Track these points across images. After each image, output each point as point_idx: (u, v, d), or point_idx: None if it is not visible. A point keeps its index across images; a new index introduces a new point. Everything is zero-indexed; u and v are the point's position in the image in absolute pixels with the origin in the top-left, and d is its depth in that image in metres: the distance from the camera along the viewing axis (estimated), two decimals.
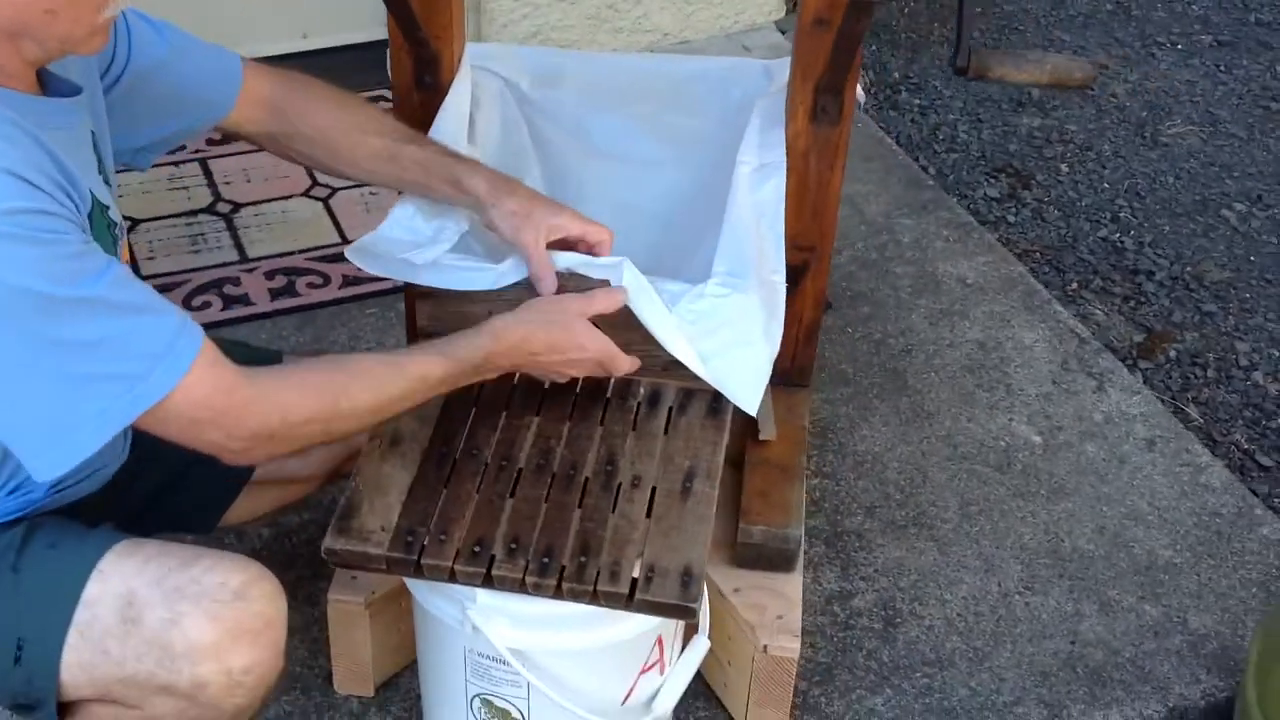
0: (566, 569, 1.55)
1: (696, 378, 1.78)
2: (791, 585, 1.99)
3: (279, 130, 1.84)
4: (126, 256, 1.63)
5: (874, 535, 2.34)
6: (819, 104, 1.93)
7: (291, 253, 2.88)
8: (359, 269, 1.85)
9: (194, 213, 2.98)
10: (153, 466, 1.80)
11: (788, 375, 2.19)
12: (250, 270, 2.82)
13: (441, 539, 1.58)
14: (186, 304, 2.73)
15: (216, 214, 2.98)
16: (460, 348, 1.64)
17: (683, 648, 1.87)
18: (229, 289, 2.78)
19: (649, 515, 1.63)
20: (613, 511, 1.63)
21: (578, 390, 1.78)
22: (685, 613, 1.54)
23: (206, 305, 2.73)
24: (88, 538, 1.52)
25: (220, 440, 1.48)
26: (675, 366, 1.83)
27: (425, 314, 1.84)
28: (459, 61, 1.99)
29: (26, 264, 1.31)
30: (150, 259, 2.85)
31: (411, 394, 1.60)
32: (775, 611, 1.95)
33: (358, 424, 1.58)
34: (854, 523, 2.36)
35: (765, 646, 1.91)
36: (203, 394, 1.44)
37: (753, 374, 1.76)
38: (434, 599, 1.70)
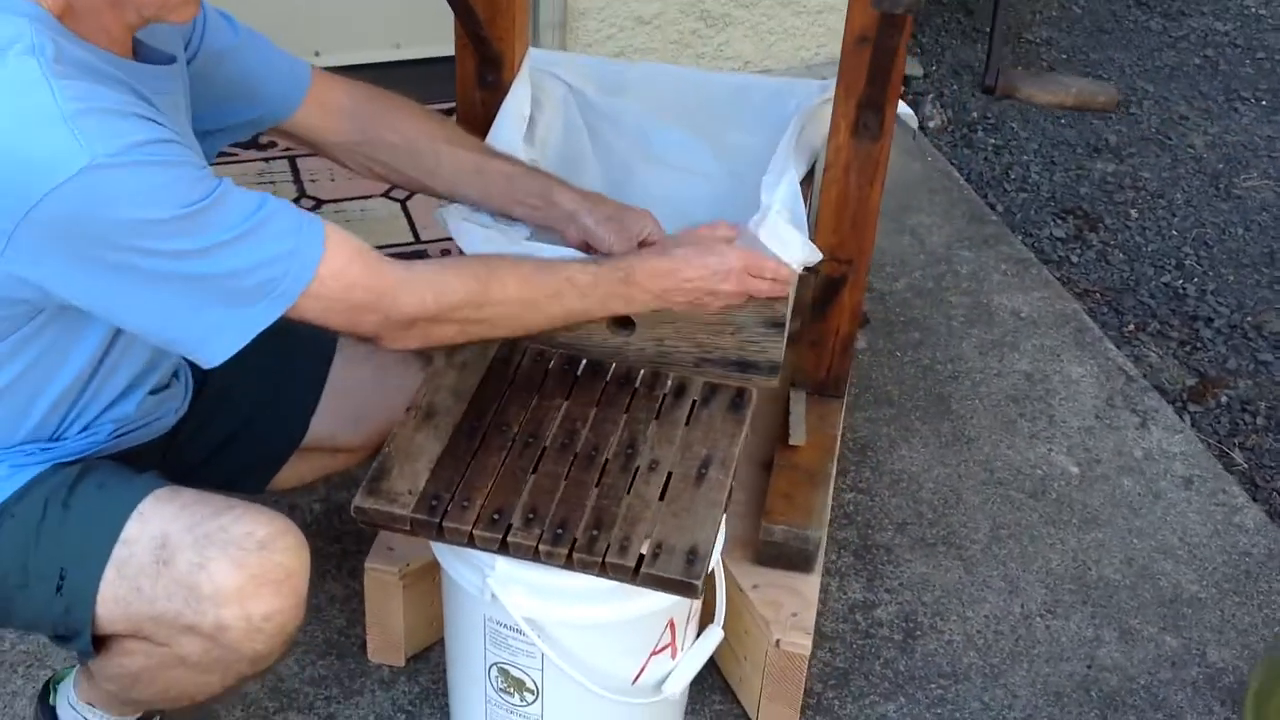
0: (578, 540, 1.63)
1: (716, 369, 1.87)
2: (809, 586, 2.05)
3: (359, 139, 1.93)
4: None
5: (902, 550, 2.39)
6: (860, 120, 2.00)
7: None
8: None
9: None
10: (210, 424, 1.91)
11: (823, 385, 2.25)
12: None
13: (464, 505, 1.67)
14: None
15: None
16: (604, 260, 1.76)
17: (698, 636, 1.95)
18: None
19: (662, 497, 1.70)
20: (628, 491, 1.70)
21: (608, 378, 1.86)
22: (688, 589, 1.61)
23: None
24: (134, 481, 1.62)
25: (378, 322, 1.59)
26: (704, 363, 1.91)
27: None
28: (520, 63, 2.09)
29: (160, 186, 1.40)
30: None
31: (558, 293, 1.70)
32: (791, 609, 2.01)
33: (509, 314, 1.68)
34: (884, 537, 2.41)
35: (778, 641, 1.97)
36: (356, 273, 1.54)
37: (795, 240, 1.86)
38: (457, 566, 1.79)
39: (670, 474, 1.73)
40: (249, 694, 2.07)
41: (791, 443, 2.17)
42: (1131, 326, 3.14)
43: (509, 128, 2.04)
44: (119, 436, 1.71)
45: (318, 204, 3.13)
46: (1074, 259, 3.37)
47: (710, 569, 1.63)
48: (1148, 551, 2.42)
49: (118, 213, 1.38)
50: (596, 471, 1.73)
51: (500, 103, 2.07)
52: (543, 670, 1.81)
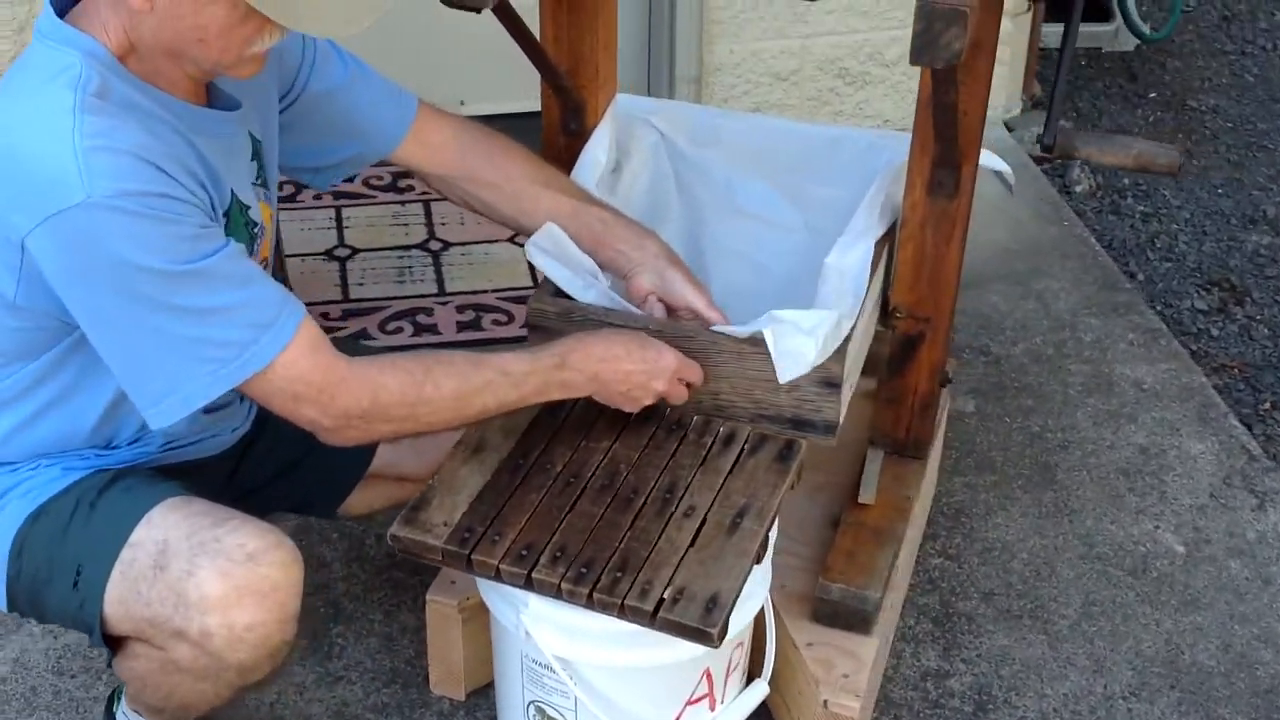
0: (601, 580, 1.64)
1: (773, 426, 1.86)
2: (865, 648, 2.01)
3: (461, 174, 1.99)
4: (264, 255, 1.80)
5: (985, 621, 2.32)
6: (935, 178, 1.97)
7: (485, 290, 3.07)
8: None
9: (408, 247, 3.21)
10: (278, 446, 1.97)
11: (901, 445, 2.21)
12: (444, 303, 3.01)
13: (495, 539, 1.69)
14: (381, 328, 2.94)
15: (427, 250, 3.19)
16: (541, 348, 1.78)
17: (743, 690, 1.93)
18: (421, 318, 2.98)
19: (693, 544, 1.69)
20: (660, 535, 1.70)
21: (659, 424, 1.87)
22: (704, 637, 1.59)
23: (399, 330, 2.94)
24: (156, 487, 1.69)
25: (315, 416, 1.64)
26: (760, 419, 1.90)
27: (535, 344, 1.96)
28: (603, 112, 2.12)
29: (147, 239, 1.50)
30: (360, 284, 3.08)
31: (492, 386, 1.71)
32: (843, 670, 1.97)
33: (443, 411, 1.70)
34: (967, 606, 2.35)
35: (826, 702, 1.94)
36: (303, 368, 1.60)
37: (795, 355, 1.82)
38: (496, 601, 1.81)
39: (704, 520, 1.73)
40: (310, 715, 2.12)
41: (861, 500, 2.14)
42: (1268, 405, 3.01)
43: (586, 174, 2.07)
44: (170, 449, 1.78)
45: (445, 245, 3.21)
46: (1214, 332, 3.24)
47: (728, 618, 1.61)
48: (1248, 639, 2.31)
49: (108, 249, 1.48)
50: (632, 514, 1.73)
51: (582, 149, 2.10)
52: (576, 712, 1.81)
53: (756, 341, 1.84)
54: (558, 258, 1.94)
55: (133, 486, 1.70)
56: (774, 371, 1.82)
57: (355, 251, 3.18)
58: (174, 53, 1.56)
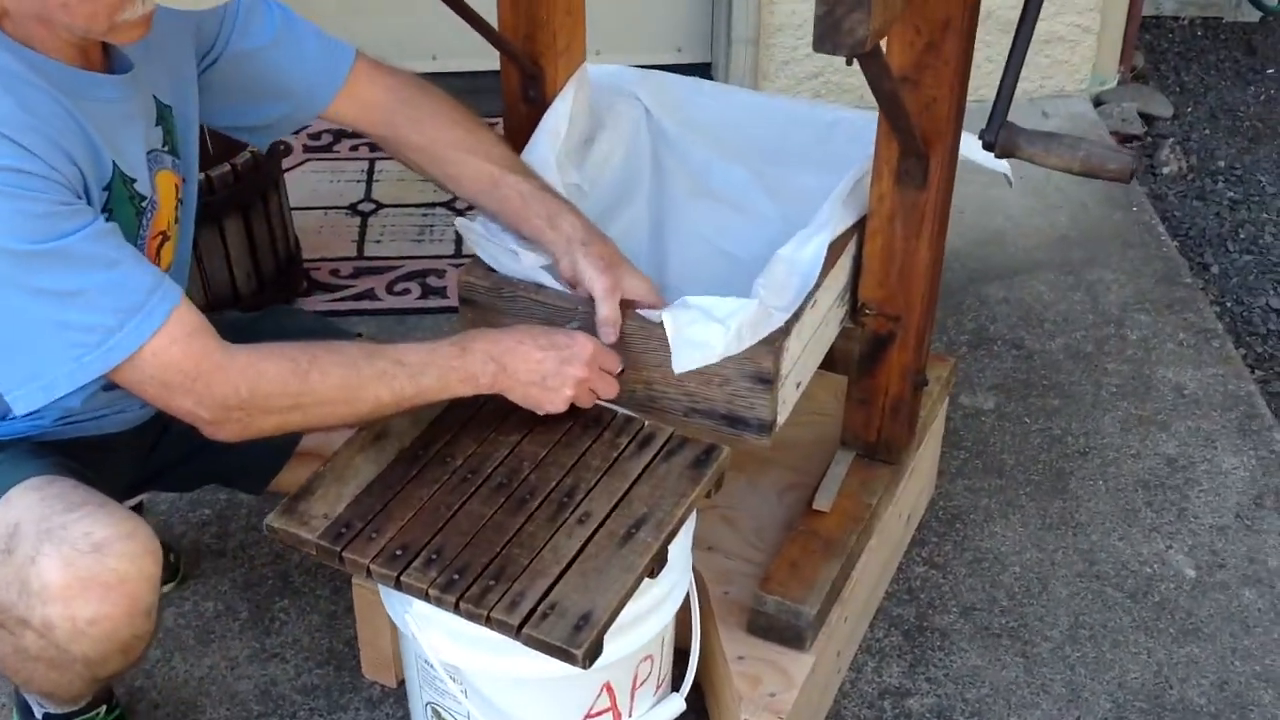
0: (471, 589, 1.54)
1: (707, 421, 1.74)
2: (799, 665, 1.89)
3: (388, 135, 1.91)
4: (161, 229, 1.73)
5: (960, 638, 2.18)
6: (902, 166, 1.82)
7: None
8: None
9: (432, 205, 3.13)
10: None
11: (871, 448, 2.08)
12: (458, 264, 2.94)
13: (372, 536, 1.61)
14: (389, 289, 2.87)
15: (452, 209, 3.12)
16: (444, 340, 1.67)
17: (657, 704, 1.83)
18: (432, 280, 2.91)
19: (579, 554, 1.59)
20: (546, 543, 1.60)
21: (576, 419, 1.76)
22: (569, 657, 1.49)
23: (406, 291, 2.87)
24: (20, 466, 1.63)
25: (191, 407, 1.56)
26: (693, 414, 1.79)
27: (468, 321, 1.88)
28: (565, 81, 2.00)
29: None
30: (377, 241, 3.02)
31: (386, 376, 1.61)
32: (769, 688, 1.86)
33: (331, 404, 1.60)
34: (943, 620, 2.20)
35: None
36: (175, 355, 1.52)
37: (697, 344, 1.69)
38: (389, 599, 1.73)
39: (597, 529, 1.62)
40: (237, 692, 2.08)
41: (815, 507, 2.01)
42: None
43: (543, 146, 1.96)
44: (67, 424, 1.73)
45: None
46: None
47: (599, 637, 1.50)
48: (1247, 677, 2.12)
49: None
50: (522, 517, 1.63)
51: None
52: (469, 718, 1.73)
53: None
54: (489, 234, 1.85)
55: (1, 463, 1.64)
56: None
57: (379, 207, 3.12)
58: (42, 18, 1.49)
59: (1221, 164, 3.61)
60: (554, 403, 1.71)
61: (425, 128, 1.88)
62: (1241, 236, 3.32)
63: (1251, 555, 2.33)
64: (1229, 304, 3.07)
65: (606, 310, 1.74)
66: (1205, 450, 2.54)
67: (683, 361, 1.70)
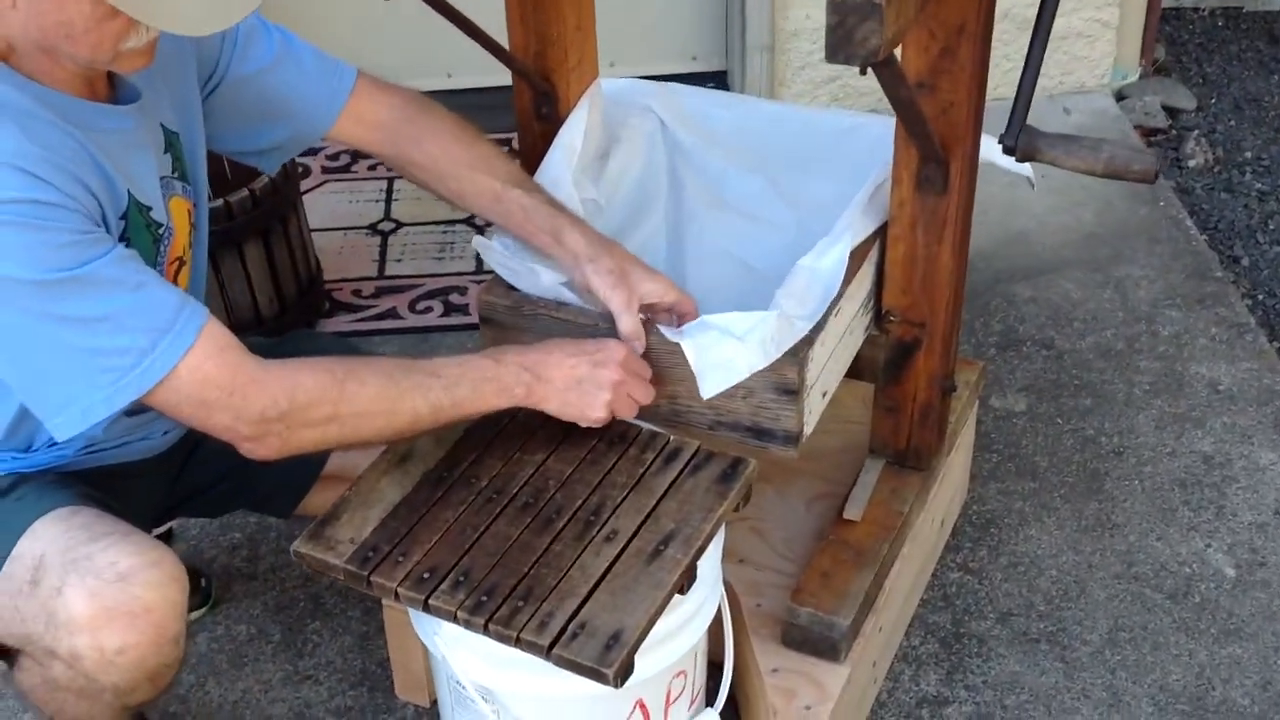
0: (500, 610, 1.53)
1: (733, 434, 1.73)
2: (834, 677, 1.87)
3: (392, 154, 1.90)
4: (177, 254, 1.73)
5: (998, 644, 2.15)
6: (923, 173, 1.80)
7: None
8: None
9: (452, 223, 3.13)
10: (227, 447, 1.90)
11: (900, 455, 2.06)
12: (479, 282, 2.93)
13: (399, 560, 1.60)
14: (410, 308, 2.87)
15: (472, 225, 3.11)
16: (477, 353, 1.66)
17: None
18: (454, 298, 2.90)
19: (608, 572, 1.57)
20: (573, 562, 1.58)
21: (600, 436, 1.75)
22: (599, 676, 1.48)
23: (429, 310, 2.87)
24: (48, 497, 1.63)
25: (229, 423, 1.54)
26: (719, 426, 1.77)
27: (488, 339, 1.87)
28: (578, 96, 1.99)
29: (15, 249, 1.42)
30: (398, 260, 3.02)
31: (422, 387, 1.60)
32: (804, 701, 1.84)
33: (370, 415, 1.58)
34: (980, 626, 2.18)
35: None
36: (210, 371, 1.51)
37: (721, 365, 1.68)
38: (419, 621, 1.72)
39: (625, 547, 1.61)
40: (271, 715, 2.07)
41: (846, 516, 1.99)
42: None
43: (558, 162, 1.95)
44: (91, 453, 1.73)
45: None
46: None
47: (630, 655, 1.49)
48: None
49: None
50: (549, 536, 1.62)
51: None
52: None
53: None
54: (508, 251, 1.84)
55: (26, 495, 1.64)
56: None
57: (399, 226, 3.12)
58: (47, 49, 1.49)
59: (1248, 155, 3.57)
60: (594, 407, 1.68)
61: (427, 145, 1.88)
62: (1271, 228, 3.28)
63: None
64: (1261, 297, 3.03)
65: (626, 325, 1.73)
66: (1242, 446, 2.50)
67: (709, 386, 1.69)
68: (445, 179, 1.88)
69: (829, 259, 1.80)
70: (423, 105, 1.91)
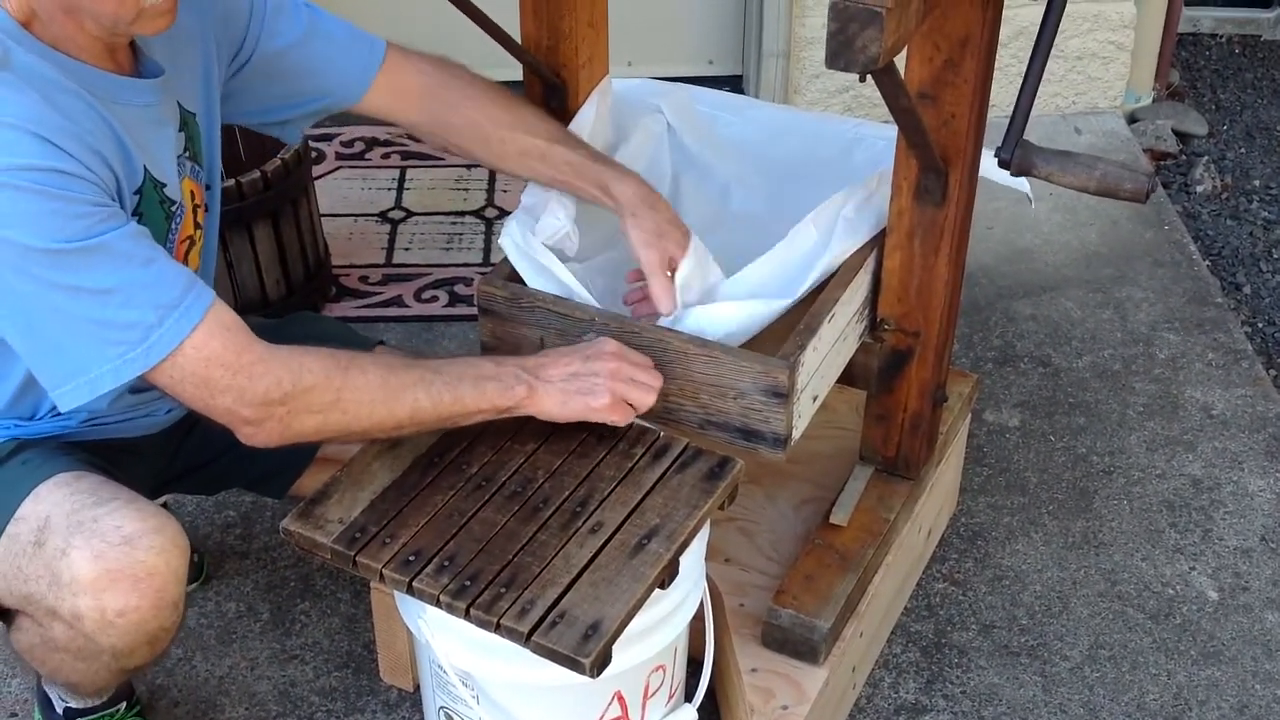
0: (482, 596, 1.55)
1: (722, 435, 1.76)
2: (812, 679, 1.89)
3: (427, 120, 1.92)
4: (188, 234, 1.75)
5: (978, 655, 2.17)
6: (922, 184, 1.82)
7: None
8: None
9: (462, 214, 3.15)
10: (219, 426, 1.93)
11: (890, 463, 2.07)
12: (485, 273, 2.94)
13: (386, 542, 1.62)
14: (416, 296, 2.89)
15: (481, 218, 3.14)
16: (477, 355, 1.69)
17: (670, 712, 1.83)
18: (460, 288, 2.92)
19: (590, 563, 1.59)
20: (557, 552, 1.60)
21: (591, 429, 1.77)
22: (575, 665, 1.50)
23: (434, 299, 2.89)
24: (51, 462, 1.65)
25: (231, 404, 1.56)
26: (708, 426, 1.79)
27: (487, 330, 1.89)
28: (588, 93, 2.01)
29: (31, 216, 1.44)
30: (406, 249, 3.04)
31: (424, 381, 1.62)
32: (782, 701, 1.86)
33: (371, 403, 1.60)
34: (962, 637, 2.20)
35: None
36: (215, 349, 1.53)
37: (720, 319, 1.76)
38: (403, 604, 1.75)
39: (609, 539, 1.63)
40: (256, 692, 2.09)
41: (832, 521, 2.01)
42: None
43: None
44: (93, 425, 1.75)
45: (501, 213, 3.15)
46: None
47: (607, 646, 1.51)
48: (1268, 701, 2.11)
49: None
50: (535, 526, 1.64)
51: None
52: None
53: (701, 343, 1.74)
54: (527, 249, 1.86)
55: (30, 459, 1.67)
56: (720, 375, 1.73)
57: (409, 215, 3.14)
58: (70, 9, 1.50)
59: (1257, 183, 3.58)
60: (595, 395, 1.68)
61: (464, 109, 1.89)
62: (1275, 256, 3.30)
63: (1275, 578, 2.31)
64: (1260, 324, 3.04)
65: (654, 286, 1.78)
66: (1232, 472, 2.52)
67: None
68: (489, 141, 1.90)
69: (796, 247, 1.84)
70: (454, 70, 1.93)
